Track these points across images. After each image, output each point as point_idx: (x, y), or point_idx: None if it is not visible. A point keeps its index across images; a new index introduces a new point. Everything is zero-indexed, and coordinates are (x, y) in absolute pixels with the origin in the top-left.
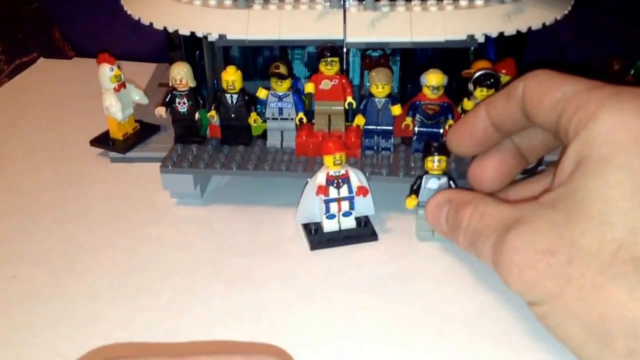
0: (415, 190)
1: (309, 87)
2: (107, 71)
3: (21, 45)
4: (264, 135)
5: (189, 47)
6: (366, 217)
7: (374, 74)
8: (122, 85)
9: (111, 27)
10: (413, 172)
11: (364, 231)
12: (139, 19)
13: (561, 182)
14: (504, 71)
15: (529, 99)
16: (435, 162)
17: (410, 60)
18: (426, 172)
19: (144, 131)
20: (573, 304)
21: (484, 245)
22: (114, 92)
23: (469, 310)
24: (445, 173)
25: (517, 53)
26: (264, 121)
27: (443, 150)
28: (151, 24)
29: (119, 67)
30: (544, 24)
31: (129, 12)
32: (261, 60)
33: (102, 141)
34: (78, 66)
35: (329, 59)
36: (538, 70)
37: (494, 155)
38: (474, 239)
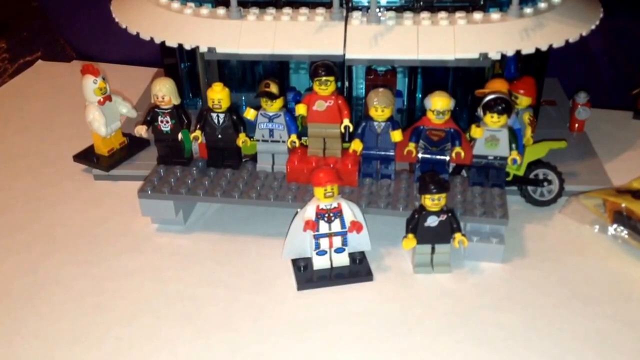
0: (412, 229)
1: (300, 109)
2: (90, 83)
3: (26, 43)
4: (257, 155)
5: (183, 54)
6: (362, 253)
7: (373, 95)
8: (108, 98)
9: (113, 30)
10: (416, 203)
11: (358, 269)
12: (126, 27)
13: None
14: (522, 91)
15: None
16: (433, 200)
17: (421, 73)
18: (423, 208)
19: (132, 146)
20: None
21: None
22: (98, 106)
23: None
24: (445, 209)
25: (538, 68)
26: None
27: (442, 187)
28: (138, 33)
29: (104, 78)
30: (567, 41)
31: (117, 20)
32: (261, 68)
33: (86, 157)
34: (76, 70)
35: (324, 79)
36: None
37: None
38: None
